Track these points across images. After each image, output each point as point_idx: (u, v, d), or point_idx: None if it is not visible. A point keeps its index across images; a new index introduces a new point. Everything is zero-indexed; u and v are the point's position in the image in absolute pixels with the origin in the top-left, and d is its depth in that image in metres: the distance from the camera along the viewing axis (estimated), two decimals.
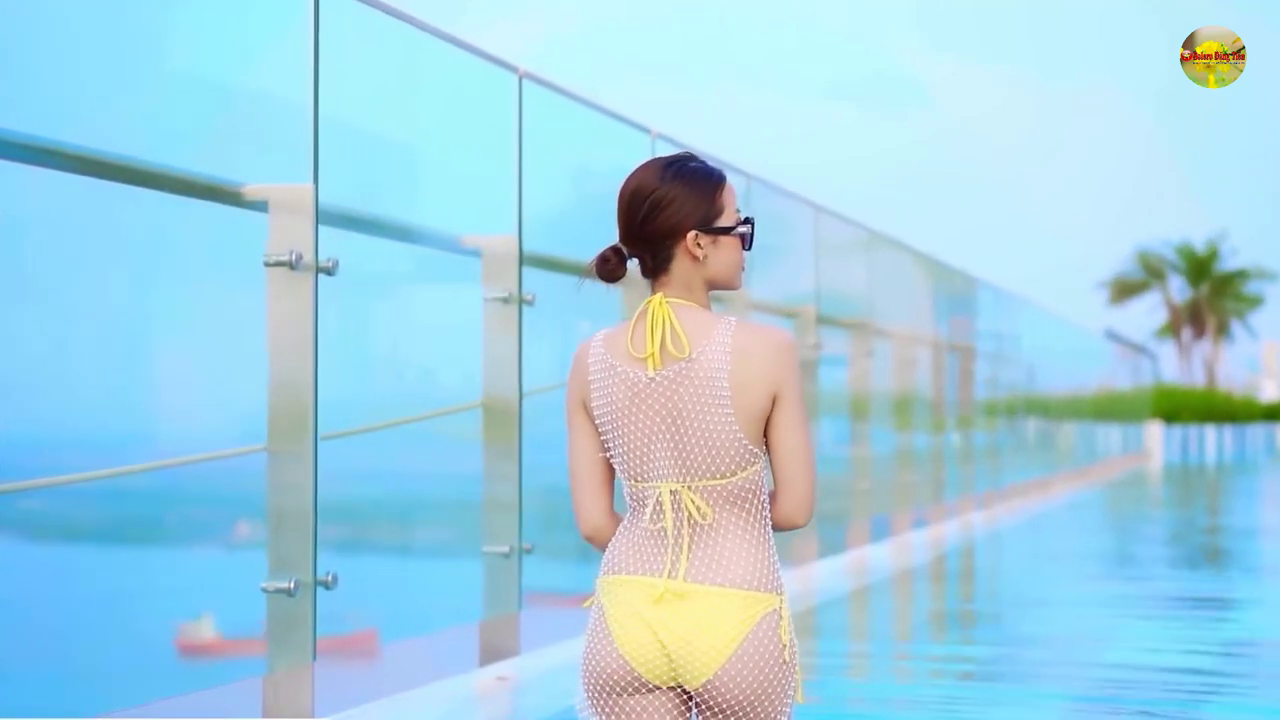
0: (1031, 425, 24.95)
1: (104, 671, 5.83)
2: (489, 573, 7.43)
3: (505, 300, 7.37)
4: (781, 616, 3.18)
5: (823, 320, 12.55)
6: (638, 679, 3.18)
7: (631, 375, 3.18)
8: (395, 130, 7.37)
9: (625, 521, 3.27)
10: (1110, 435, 38.44)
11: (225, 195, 5.81)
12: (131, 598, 5.78)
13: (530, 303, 7.49)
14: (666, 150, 9.00)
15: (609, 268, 3.19)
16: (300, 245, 5.79)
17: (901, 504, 15.25)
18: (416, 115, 7.47)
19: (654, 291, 3.22)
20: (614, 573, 3.22)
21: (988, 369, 20.49)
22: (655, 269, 3.21)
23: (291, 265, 5.73)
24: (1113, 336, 45.36)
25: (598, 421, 3.23)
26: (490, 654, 7.43)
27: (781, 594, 3.20)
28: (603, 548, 3.31)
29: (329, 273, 5.87)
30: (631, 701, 3.19)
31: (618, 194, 3.24)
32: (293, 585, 5.72)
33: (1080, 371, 32.47)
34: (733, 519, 3.17)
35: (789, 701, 3.19)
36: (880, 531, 14.40)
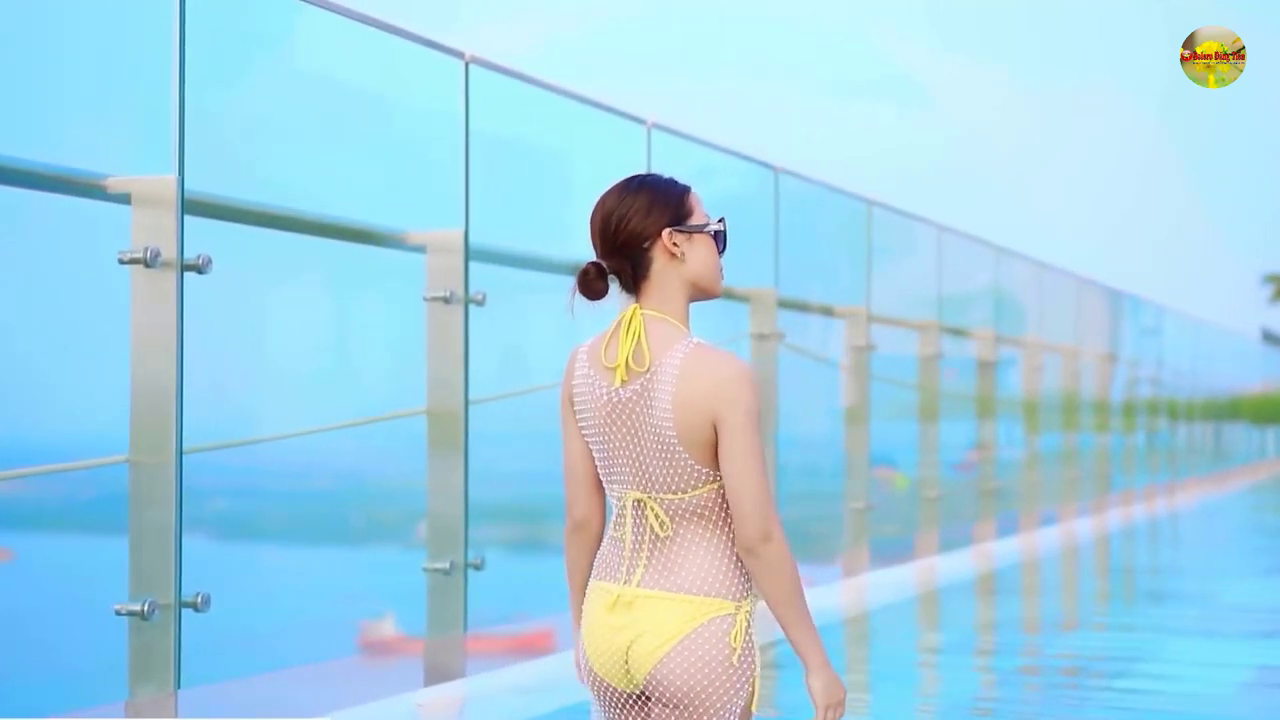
0: (1183, 429, 24.77)
1: (290, 666, 6.00)
2: (432, 591, 7.00)
3: (446, 300, 6.93)
4: (735, 624, 3.20)
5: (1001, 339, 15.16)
6: (609, 687, 3.29)
7: (604, 387, 3.26)
8: (337, 126, 6.99)
9: (609, 524, 3.37)
10: (1265, 438, 37.52)
11: (88, 189, 5.43)
12: (316, 595, 5.56)
13: (480, 302, 7.03)
14: (662, 139, 8.56)
15: (589, 280, 3.24)
16: (161, 241, 5.38)
17: (1062, 498, 17.33)
18: (359, 109, 7.08)
19: (635, 303, 3.28)
20: (593, 577, 3.35)
21: (1139, 375, 22.03)
22: (636, 278, 3.26)
23: (147, 263, 5.32)
24: (1271, 338, 44.00)
25: (581, 426, 3.33)
26: (435, 675, 7.02)
27: (739, 601, 3.23)
28: (589, 543, 3.39)
29: (200, 270, 5.46)
30: (614, 713, 3.32)
31: (589, 221, 3.31)
32: (147, 608, 5.31)
33: (1233, 374, 31.79)
34: (692, 530, 3.23)
35: (735, 706, 3.20)
36: (1047, 520, 16.28)
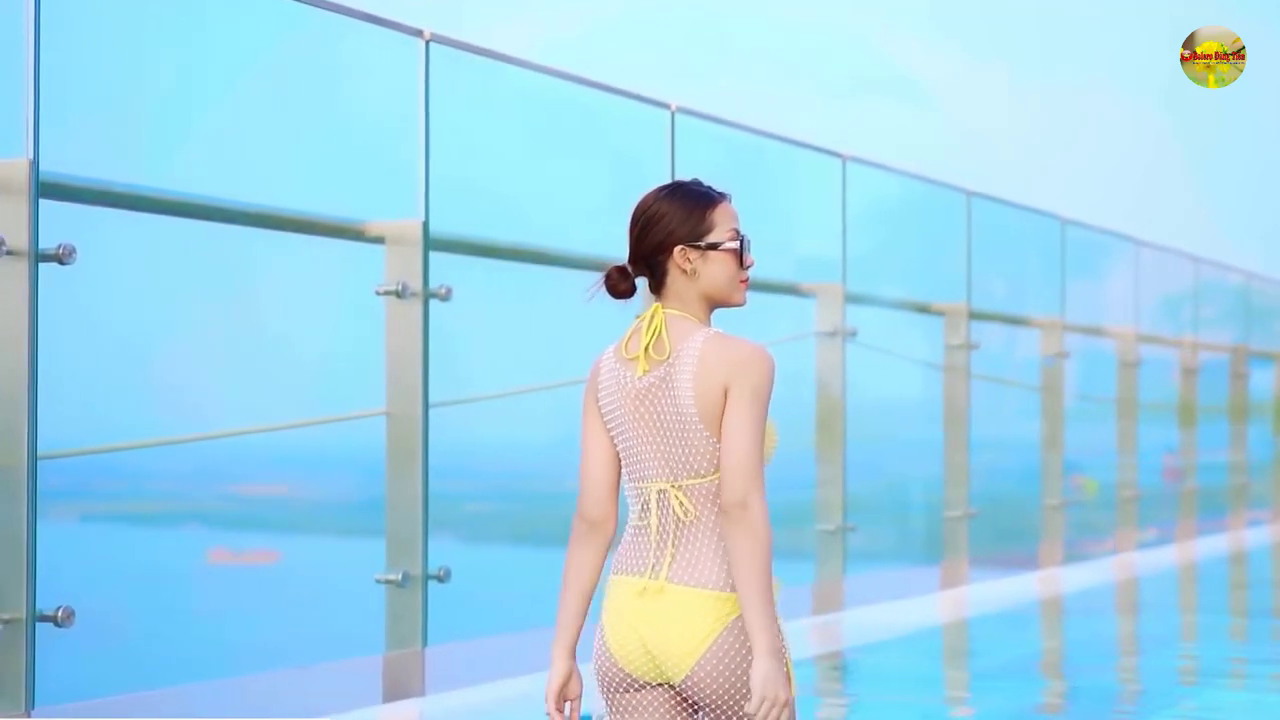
0: None
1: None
2: (390, 602, 6.61)
3: (399, 294, 6.51)
4: None
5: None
6: (629, 676, 3.35)
7: (628, 379, 3.38)
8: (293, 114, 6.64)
9: (629, 522, 3.43)
10: None
11: None
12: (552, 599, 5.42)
13: (444, 297, 6.60)
14: (687, 123, 8.07)
15: (611, 283, 3.39)
16: (11, 229, 5.04)
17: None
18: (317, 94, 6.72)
19: (658, 303, 3.41)
20: (614, 573, 3.41)
21: None
22: (656, 285, 3.40)
23: None
24: None
25: (607, 423, 3.42)
26: (393, 692, 6.63)
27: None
28: (601, 545, 3.44)
29: (60, 261, 5.12)
30: (628, 698, 3.37)
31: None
32: None
33: None
34: (714, 518, 3.32)
35: None
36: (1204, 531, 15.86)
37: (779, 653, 3.23)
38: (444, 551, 6.63)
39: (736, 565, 3.24)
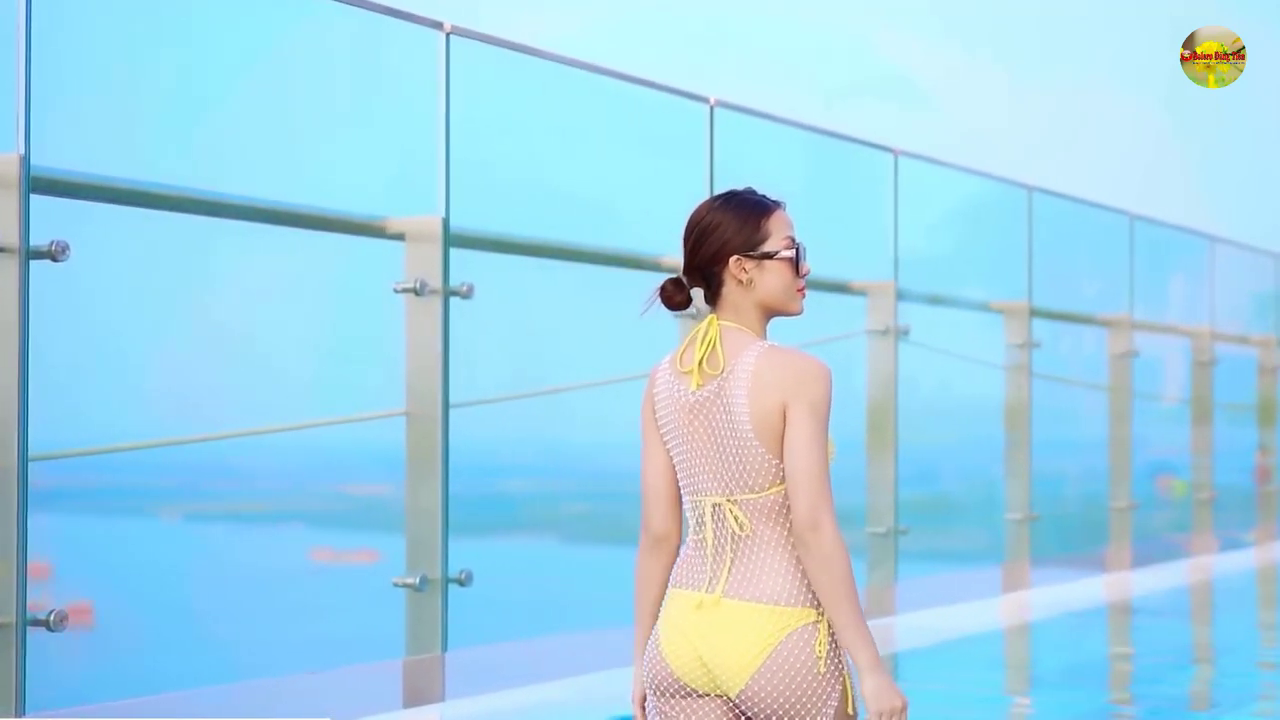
0: None
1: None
2: (410, 607, 6.50)
3: (416, 291, 6.39)
4: (819, 632, 3.26)
5: None
6: (683, 686, 3.34)
7: (682, 392, 3.37)
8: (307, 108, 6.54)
9: (688, 534, 3.44)
10: None
11: None
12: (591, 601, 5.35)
13: (466, 295, 6.48)
14: (726, 117, 7.91)
15: (665, 296, 3.40)
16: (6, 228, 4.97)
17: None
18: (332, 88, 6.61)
19: (713, 314, 3.40)
20: (672, 585, 3.40)
21: None
22: (711, 295, 3.39)
23: None
24: None
25: (663, 435, 3.42)
26: (413, 698, 6.52)
27: (821, 607, 3.27)
28: (667, 558, 3.45)
29: (54, 258, 5.03)
30: (680, 705, 3.36)
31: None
32: None
33: None
34: (771, 532, 3.31)
35: (827, 712, 3.27)
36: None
37: (882, 667, 3.21)
38: (542, 552, 6.56)
39: (819, 588, 3.22)
